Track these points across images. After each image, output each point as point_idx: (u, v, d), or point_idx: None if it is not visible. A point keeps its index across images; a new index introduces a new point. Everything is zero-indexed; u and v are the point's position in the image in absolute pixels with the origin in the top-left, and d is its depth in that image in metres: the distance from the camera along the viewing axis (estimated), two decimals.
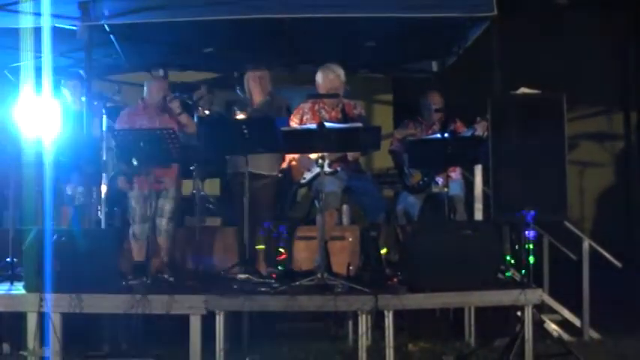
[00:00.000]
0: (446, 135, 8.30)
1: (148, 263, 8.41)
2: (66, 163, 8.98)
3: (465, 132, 8.99)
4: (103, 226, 9.04)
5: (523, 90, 8.22)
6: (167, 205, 8.71)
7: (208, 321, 7.35)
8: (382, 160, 10.70)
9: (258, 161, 8.51)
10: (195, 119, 9.01)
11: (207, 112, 9.41)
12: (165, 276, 8.33)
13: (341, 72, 8.64)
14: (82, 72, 9.41)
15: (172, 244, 8.81)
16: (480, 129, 8.72)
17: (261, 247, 8.65)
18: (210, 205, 10.15)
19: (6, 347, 8.11)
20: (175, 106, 8.74)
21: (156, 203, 8.63)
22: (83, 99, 9.29)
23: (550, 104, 8.11)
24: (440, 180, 9.02)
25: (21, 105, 8.84)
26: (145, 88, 9.04)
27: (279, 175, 8.86)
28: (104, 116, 9.07)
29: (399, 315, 7.46)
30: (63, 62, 10.46)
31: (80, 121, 9.11)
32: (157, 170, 8.55)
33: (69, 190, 9.22)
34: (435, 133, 9.00)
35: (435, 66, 11.89)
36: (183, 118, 8.74)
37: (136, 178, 8.69)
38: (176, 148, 8.13)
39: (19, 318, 7.53)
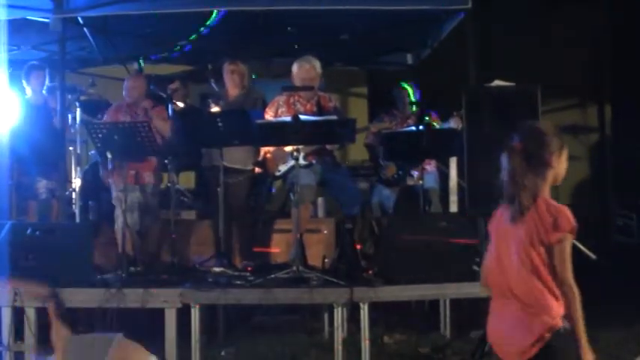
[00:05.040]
0: (421, 128, 8.31)
1: (124, 255, 8.39)
2: (30, 157, 8.92)
3: (441, 125, 9.01)
4: (77, 219, 9.01)
5: (497, 82, 8.23)
6: (148, 200, 8.78)
7: (184, 314, 7.33)
8: (357, 152, 10.71)
9: (232, 156, 8.50)
10: (170, 112, 8.99)
11: (181, 104, 9.39)
12: (140, 268, 8.32)
13: (317, 64, 8.61)
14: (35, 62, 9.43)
15: (146, 238, 8.83)
16: (455, 123, 8.74)
17: None
18: (185, 199, 10.12)
19: None
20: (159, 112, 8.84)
21: (130, 197, 8.68)
22: (44, 92, 9.27)
23: (525, 96, 8.12)
24: (415, 173, 9.04)
25: None
26: (124, 84, 9.08)
27: (254, 169, 8.85)
28: (78, 109, 9.03)
29: (374, 307, 7.47)
30: (36, 55, 10.40)
31: (42, 114, 9.07)
32: (138, 165, 8.59)
33: (36, 184, 9.17)
34: (410, 126, 9.01)
35: (410, 59, 11.91)
36: (159, 123, 8.75)
37: (114, 172, 8.71)
38: (150, 141, 8.11)
39: None
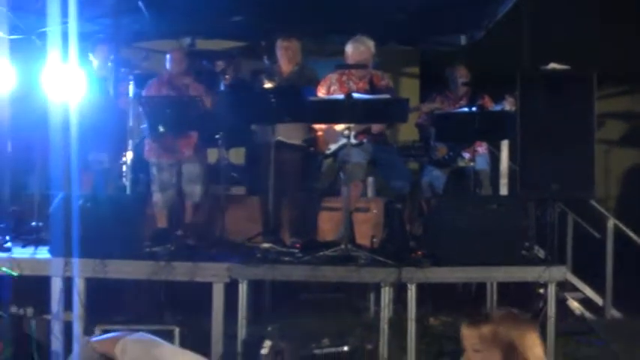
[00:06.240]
0: (474, 109, 8.25)
1: (170, 230, 8.44)
2: (91, 128, 8.97)
3: (494, 107, 8.94)
4: (128, 192, 9.07)
5: (553, 65, 8.14)
6: (195, 170, 8.78)
7: (231, 289, 7.36)
8: (408, 132, 10.66)
9: (289, 131, 8.49)
10: (222, 88, 9.01)
11: (230, 79, 9.39)
12: (189, 241, 8.36)
13: (371, 44, 8.56)
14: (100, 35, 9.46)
15: (201, 209, 8.86)
16: (509, 105, 8.66)
17: None
18: (235, 174, 10.13)
19: (30, 311, 8.12)
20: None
21: (179, 170, 8.71)
22: (110, 65, 9.30)
23: (580, 81, 8.03)
24: (466, 154, 8.98)
25: (48, 70, 8.82)
26: (167, 57, 9.11)
27: (307, 145, 8.84)
28: (131, 83, 9.07)
29: (420, 288, 7.46)
30: (90, 28, 10.43)
31: (106, 87, 9.12)
32: (176, 140, 8.62)
33: (93, 156, 9.22)
34: (462, 107, 8.95)
35: (463, 40, 11.82)
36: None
37: (158, 147, 8.75)
38: (201, 115, 8.13)
39: (43, 282, 7.55)
